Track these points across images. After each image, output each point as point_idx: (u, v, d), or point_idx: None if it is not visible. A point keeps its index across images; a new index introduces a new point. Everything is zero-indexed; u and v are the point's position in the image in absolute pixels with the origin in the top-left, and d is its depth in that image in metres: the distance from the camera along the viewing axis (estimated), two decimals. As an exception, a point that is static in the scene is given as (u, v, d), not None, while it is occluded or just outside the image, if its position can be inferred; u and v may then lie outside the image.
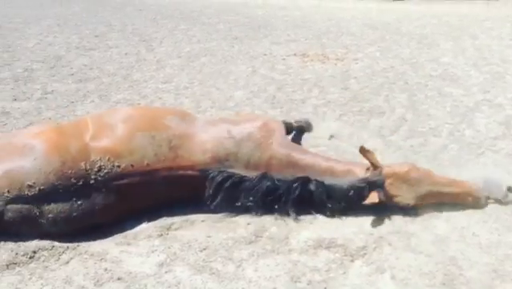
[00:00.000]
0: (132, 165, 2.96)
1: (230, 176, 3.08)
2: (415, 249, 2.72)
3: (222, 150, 3.16)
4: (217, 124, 3.37)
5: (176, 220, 3.06)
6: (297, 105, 5.60)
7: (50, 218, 2.81)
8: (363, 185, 2.97)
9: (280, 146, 3.25)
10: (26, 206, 2.79)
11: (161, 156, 3.03)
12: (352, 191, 2.99)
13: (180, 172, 3.05)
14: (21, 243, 2.77)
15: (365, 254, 2.68)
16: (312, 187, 3.04)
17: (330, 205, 3.05)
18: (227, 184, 3.07)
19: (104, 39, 11.64)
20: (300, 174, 3.07)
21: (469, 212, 3.10)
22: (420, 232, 2.88)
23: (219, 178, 3.08)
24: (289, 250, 2.74)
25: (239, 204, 3.10)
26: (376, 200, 2.91)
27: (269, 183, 3.05)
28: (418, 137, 4.47)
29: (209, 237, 2.87)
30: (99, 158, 2.93)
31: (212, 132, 3.24)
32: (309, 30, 12.22)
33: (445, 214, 3.07)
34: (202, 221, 3.06)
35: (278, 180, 3.06)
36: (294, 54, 8.83)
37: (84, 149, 2.96)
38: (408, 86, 6.30)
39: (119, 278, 2.51)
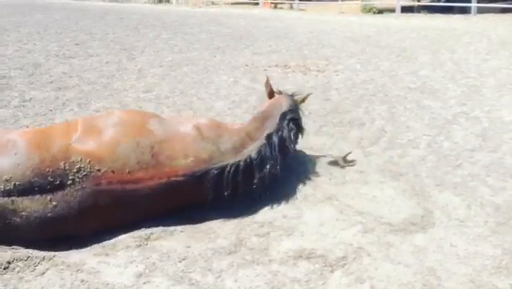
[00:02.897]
0: (112, 171, 2.92)
1: (224, 167, 3.16)
2: (394, 259, 2.73)
3: (203, 151, 3.16)
4: (184, 123, 3.38)
5: (155, 230, 3.02)
6: (278, 116, 5.61)
7: (24, 217, 2.75)
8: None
9: (241, 125, 3.61)
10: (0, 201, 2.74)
11: (143, 164, 2.99)
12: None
13: (164, 179, 3.02)
14: (-6, 253, 2.70)
15: (345, 264, 2.68)
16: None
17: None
18: (230, 174, 3.16)
19: (85, 47, 11.55)
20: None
21: (447, 223, 3.13)
22: (398, 243, 2.90)
23: (215, 172, 3.12)
24: (269, 260, 2.72)
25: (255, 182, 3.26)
26: None
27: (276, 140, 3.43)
28: (397, 149, 4.52)
29: (188, 247, 2.84)
30: (79, 159, 2.88)
31: (185, 134, 3.24)
32: (290, 41, 12.33)
33: (423, 225, 3.10)
34: (181, 231, 3.03)
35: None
36: (276, 65, 8.89)
37: (66, 149, 2.92)
38: (387, 98, 6.39)
39: (96, 289, 2.46)
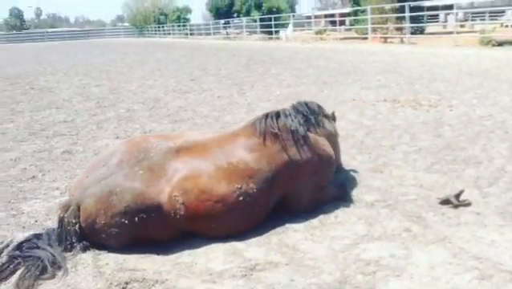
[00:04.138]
0: (186, 149, 3.37)
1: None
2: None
3: None
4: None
5: (260, 261, 3.07)
6: (386, 151, 5.48)
7: (118, 192, 3.09)
8: None
9: None
10: (98, 187, 3.11)
11: None
12: None
13: None
14: (115, 274, 2.92)
15: (458, 312, 2.50)
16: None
17: None
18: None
19: (199, 83, 12.30)
20: None
21: None
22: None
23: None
24: (375, 301, 2.63)
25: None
26: None
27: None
28: (519, 190, 4.16)
29: (292, 280, 2.85)
30: (157, 140, 3.42)
31: None
32: (400, 75, 12.04)
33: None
34: (286, 264, 3.05)
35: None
36: (384, 100, 8.72)
37: (146, 138, 3.55)
38: (508, 135, 5.94)
39: (203, 315, 2.55)
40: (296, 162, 3.57)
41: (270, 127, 3.59)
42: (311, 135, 3.79)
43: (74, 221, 3.13)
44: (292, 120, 3.71)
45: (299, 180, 3.64)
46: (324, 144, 3.89)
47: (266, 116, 3.70)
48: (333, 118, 4.36)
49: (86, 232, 3.15)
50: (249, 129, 3.63)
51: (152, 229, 3.17)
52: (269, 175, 3.43)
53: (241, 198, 3.29)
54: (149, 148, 3.36)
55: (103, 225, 3.10)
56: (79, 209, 3.14)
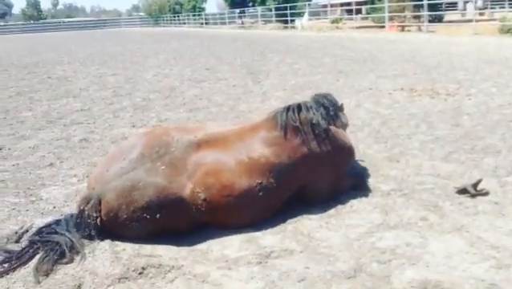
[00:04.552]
0: (207, 142, 3.36)
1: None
2: (533, 301, 2.47)
3: None
4: None
5: (275, 249, 3.08)
6: (402, 140, 5.43)
7: (141, 187, 3.10)
8: None
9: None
10: (120, 181, 3.13)
11: None
12: None
13: None
14: (132, 259, 2.96)
15: (474, 301, 2.48)
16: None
17: None
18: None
19: (214, 72, 12.29)
20: None
21: None
22: (539, 283, 2.61)
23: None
24: (390, 289, 2.62)
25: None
26: None
27: None
28: (539, 180, 4.10)
29: (307, 268, 2.85)
30: (178, 134, 3.41)
31: None
32: (418, 64, 11.90)
33: None
34: (300, 251, 3.05)
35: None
36: (402, 89, 8.63)
37: (166, 131, 3.51)
38: (527, 124, 5.84)
39: (218, 301, 2.57)
40: (317, 155, 3.56)
41: (291, 120, 3.56)
42: (332, 127, 3.77)
43: (94, 214, 3.16)
44: (314, 114, 3.67)
45: (319, 172, 3.64)
46: (344, 136, 3.88)
47: (287, 108, 3.66)
48: (341, 109, 4.32)
49: (106, 225, 3.18)
50: (270, 122, 3.59)
51: (172, 223, 3.21)
52: (289, 169, 3.43)
53: (261, 193, 3.30)
54: (170, 142, 3.35)
55: (125, 220, 3.13)
56: (99, 202, 3.17)
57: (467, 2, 33.64)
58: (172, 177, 3.18)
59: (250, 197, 3.27)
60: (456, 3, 36.68)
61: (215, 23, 50.46)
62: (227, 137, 3.46)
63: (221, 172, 3.25)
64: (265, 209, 3.40)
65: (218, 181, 3.21)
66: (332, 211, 3.60)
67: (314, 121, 3.61)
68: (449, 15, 29.08)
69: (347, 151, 3.84)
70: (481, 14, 30.75)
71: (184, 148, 3.32)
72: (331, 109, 3.93)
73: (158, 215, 3.12)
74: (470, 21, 23.26)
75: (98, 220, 3.16)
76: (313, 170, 3.58)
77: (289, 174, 3.43)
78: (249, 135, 3.50)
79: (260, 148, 3.40)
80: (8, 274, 2.86)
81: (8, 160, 5.29)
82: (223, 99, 8.44)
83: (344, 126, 4.16)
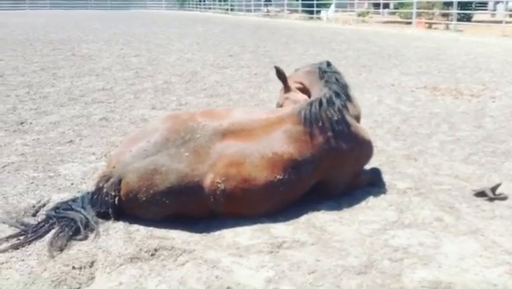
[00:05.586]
0: (232, 133, 3.33)
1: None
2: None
3: None
4: None
5: (287, 239, 3.08)
6: (422, 139, 5.37)
7: (163, 172, 3.13)
8: None
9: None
10: (143, 164, 3.16)
11: None
12: None
13: None
14: (145, 240, 2.99)
15: (486, 306, 2.46)
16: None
17: None
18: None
19: (237, 59, 12.27)
20: None
21: None
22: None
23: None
24: (401, 287, 2.61)
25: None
26: None
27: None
28: (561, 188, 4.01)
29: (318, 261, 2.85)
30: (204, 120, 3.40)
31: None
32: (443, 63, 11.71)
33: None
34: (312, 244, 3.05)
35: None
36: (424, 87, 8.52)
37: (192, 116, 3.48)
38: (552, 130, 5.72)
39: (228, 288, 2.58)
40: (339, 152, 3.53)
41: (314, 118, 3.49)
42: (354, 123, 3.72)
43: (113, 193, 3.20)
44: (333, 110, 3.58)
45: (339, 168, 3.63)
46: (364, 131, 3.83)
47: (311, 104, 3.58)
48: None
49: (124, 205, 3.22)
50: (296, 117, 3.51)
51: (189, 209, 3.24)
52: (311, 166, 3.42)
53: (280, 188, 3.31)
54: (195, 129, 3.34)
55: (143, 202, 3.17)
56: (120, 182, 3.20)
57: (498, 3, 32.88)
58: (194, 164, 3.18)
59: (269, 192, 3.28)
60: (486, 3, 35.88)
61: (240, 10, 50.25)
62: (253, 129, 3.41)
63: (244, 165, 3.23)
64: (282, 202, 3.42)
65: (239, 173, 3.21)
66: (346, 206, 3.59)
67: (335, 118, 3.56)
68: (478, 15, 28.45)
69: (366, 147, 3.80)
70: (511, 16, 30.04)
71: (209, 135, 3.30)
72: (346, 91, 3.90)
73: (177, 201, 3.16)
74: (500, 22, 22.72)
75: (116, 199, 3.20)
76: (333, 166, 3.56)
77: (310, 171, 3.43)
78: (274, 127, 3.44)
79: (285, 144, 3.36)
80: (23, 246, 2.92)
81: (29, 135, 5.38)
82: (244, 87, 8.43)
83: (355, 109, 4.03)
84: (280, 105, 4.30)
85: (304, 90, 4.20)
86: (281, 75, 4.23)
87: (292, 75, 4.42)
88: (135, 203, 3.18)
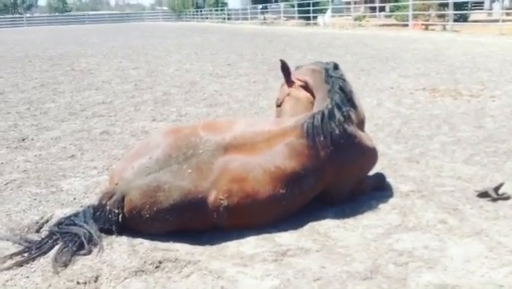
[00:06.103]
0: (235, 147, 3.29)
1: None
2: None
3: None
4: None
5: (292, 247, 3.08)
6: (423, 141, 5.37)
7: (166, 189, 3.12)
8: None
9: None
10: (146, 181, 3.14)
11: None
12: None
13: None
14: (149, 253, 2.99)
15: (493, 308, 2.44)
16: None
17: None
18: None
19: (235, 68, 12.31)
20: None
21: None
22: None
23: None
24: (406, 292, 2.60)
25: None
26: None
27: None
28: None
29: (323, 267, 2.84)
30: (206, 134, 3.36)
31: None
32: (441, 64, 11.73)
33: None
34: (317, 251, 3.04)
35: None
36: (424, 89, 8.53)
37: (194, 130, 3.43)
38: (553, 128, 5.71)
39: (233, 298, 2.58)
40: (342, 164, 3.52)
41: (317, 131, 3.44)
42: (357, 133, 3.67)
43: (116, 211, 3.19)
44: (335, 124, 3.51)
45: (343, 178, 3.62)
46: (369, 139, 3.82)
47: (313, 117, 3.52)
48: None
49: (128, 222, 3.22)
50: (299, 130, 3.46)
51: (192, 224, 3.24)
52: (314, 179, 3.41)
53: (284, 202, 3.31)
54: (198, 144, 3.31)
55: (147, 219, 3.16)
56: (123, 199, 3.19)
57: (494, 2, 32.98)
58: (197, 181, 3.17)
59: (272, 206, 3.29)
60: (482, 2, 36.01)
61: (237, 19, 50.46)
62: (255, 142, 3.37)
63: (246, 180, 3.22)
64: (285, 214, 3.42)
65: (242, 189, 3.19)
66: (350, 211, 3.58)
67: (338, 131, 3.50)
68: (474, 14, 28.55)
69: (370, 155, 3.79)
70: (507, 14, 30.11)
71: (212, 151, 3.27)
72: (350, 97, 3.83)
73: (180, 217, 3.16)
74: (496, 21, 22.79)
75: (120, 216, 3.19)
76: (337, 177, 3.55)
77: (313, 183, 3.43)
78: (277, 140, 3.41)
79: (287, 158, 3.33)
80: (28, 263, 2.92)
81: (31, 151, 5.39)
82: (243, 95, 8.45)
83: (359, 115, 3.95)
84: (280, 101, 4.28)
85: (307, 88, 4.16)
86: (285, 68, 4.23)
87: (296, 71, 4.41)
88: (138, 220, 3.18)
